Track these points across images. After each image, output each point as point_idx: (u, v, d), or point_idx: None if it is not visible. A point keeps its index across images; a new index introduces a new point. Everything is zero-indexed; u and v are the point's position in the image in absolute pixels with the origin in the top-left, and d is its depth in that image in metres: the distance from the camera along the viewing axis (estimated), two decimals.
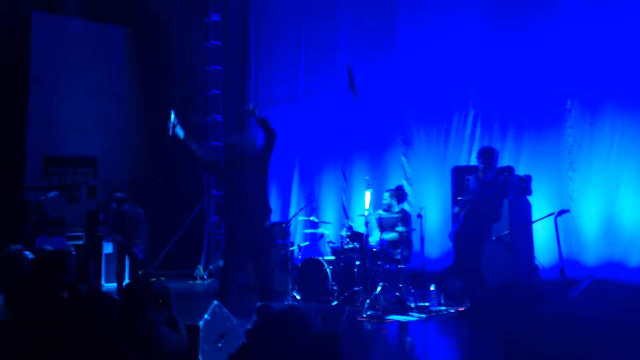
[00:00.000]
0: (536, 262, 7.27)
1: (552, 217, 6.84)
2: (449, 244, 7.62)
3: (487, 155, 6.80)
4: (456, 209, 7.08)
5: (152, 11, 11.29)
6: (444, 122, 8.95)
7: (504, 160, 8.07)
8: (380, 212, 7.94)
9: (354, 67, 9.73)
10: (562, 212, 6.85)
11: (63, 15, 11.04)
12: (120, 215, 7.94)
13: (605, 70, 7.54)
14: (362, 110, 9.77)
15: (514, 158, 8.08)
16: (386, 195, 8.11)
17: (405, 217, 7.92)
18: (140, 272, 8.59)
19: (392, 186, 8.67)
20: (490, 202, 6.65)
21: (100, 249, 9.45)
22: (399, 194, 8.14)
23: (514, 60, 8.28)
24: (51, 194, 9.43)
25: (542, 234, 7.40)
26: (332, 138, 10.15)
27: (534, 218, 7.23)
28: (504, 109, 8.38)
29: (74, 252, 8.27)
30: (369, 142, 9.73)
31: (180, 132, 6.37)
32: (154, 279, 4.12)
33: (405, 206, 8.33)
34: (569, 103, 7.80)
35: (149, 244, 10.85)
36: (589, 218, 7.52)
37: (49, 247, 7.50)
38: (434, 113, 9.05)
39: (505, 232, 6.85)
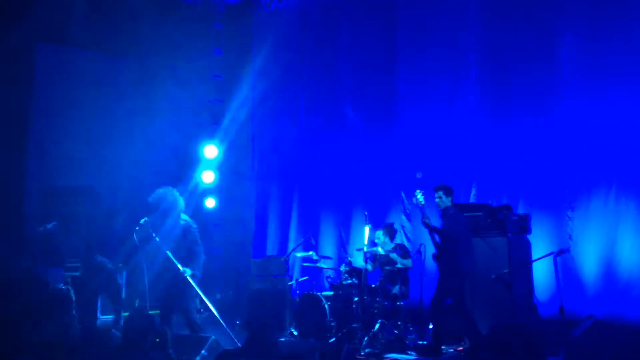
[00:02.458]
0: (535, 301, 7.23)
1: (552, 256, 6.83)
2: None
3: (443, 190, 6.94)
4: None
5: (156, 44, 11.42)
6: (444, 158, 8.96)
7: (503, 198, 8.10)
8: (379, 248, 7.92)
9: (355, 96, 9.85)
10: (561, 251, 6.85)
11: (67, 45, 11.15)
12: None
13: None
14: (363, 144, 9.86)
15: (513, 196, 8.10)
16: (379, 233, 8.10)
17: (404, 252, 7.90)
18: (137, 305, 8.49)
19: (393, 221, 8.69)
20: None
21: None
22: (391, 231, 8.15)
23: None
24: (50, 225, 9.39)
25: (542, 273, 7.37)
26: (332, 172, 10.19)
27: (533, 257, 7.21)
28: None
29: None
30: (369, 177, 9.76)
31: None
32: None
33: (405, 243, 8.32)
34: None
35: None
36: (589, 257, 7.49)
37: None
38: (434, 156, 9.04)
39: (505, 271, 6.82)
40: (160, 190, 6.65)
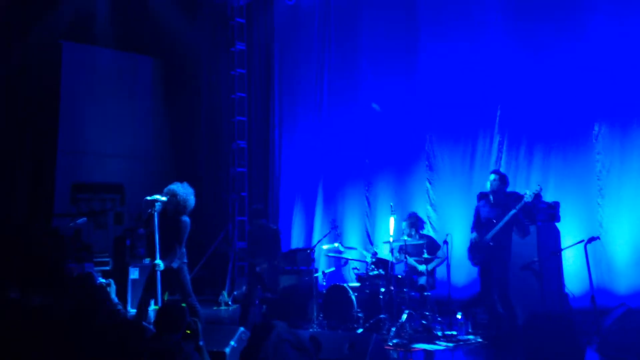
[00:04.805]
0: (566, 291, 7.12)
1: (582, 244, 6.72)
2: (475, 270, 7.48)
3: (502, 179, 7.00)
4: (473, 235, 7.08)
5: (179, 41, 11.52)
6: (469, 145, 8.86)
7: (531, 186, 7.98)
8: (405, 237, 7.88)
9: (376, 88, 9.82)
10: (591, 240, 6.73)
11: (92, 45, 11.31)
12: None
13: (633, 94, 7.44)
14: (385, 133, 9.81)
15: (542, 184, 7.96)
16: (403, 225, 8.06)
17: (431, 244, 7.84)
18: (166, 298, 8.62)
19: (418, 212, 8.63)
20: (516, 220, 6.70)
21: (126, 274, 9.52)
22: (415, 222, 8.07)
23: (539, 81, 8.18)
24: (80, 221, 9.57)
25: (572, 262, 7.27)
26: (355, 163, 10.17)
27: (563, 245, 7.10)
28: (530, 131, 8.26)
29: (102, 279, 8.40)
30: (393, 166, 9.71)
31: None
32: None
33: (431, 233, 8.23)
34: (596, 128, 7.68)
35: None
36: (620, 245, 7.36)
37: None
38: (459, 135, 8.98)
39: (534, 260, 6.73)
40: (183, 188, 6.78)
